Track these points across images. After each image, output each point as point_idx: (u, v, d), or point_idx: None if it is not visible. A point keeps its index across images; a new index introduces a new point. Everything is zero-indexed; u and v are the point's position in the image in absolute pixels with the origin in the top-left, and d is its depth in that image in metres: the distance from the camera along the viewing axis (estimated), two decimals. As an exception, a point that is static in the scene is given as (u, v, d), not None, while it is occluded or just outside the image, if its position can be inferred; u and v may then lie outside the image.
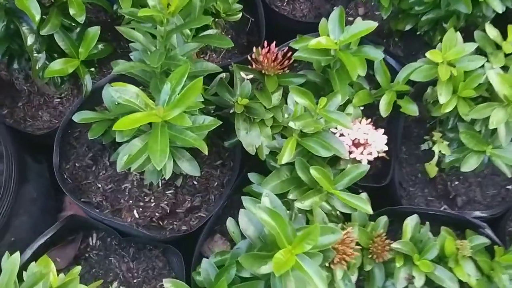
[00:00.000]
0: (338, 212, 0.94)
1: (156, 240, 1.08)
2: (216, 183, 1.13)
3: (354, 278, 0.89)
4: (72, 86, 1.22)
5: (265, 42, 0.97)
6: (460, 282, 0.94)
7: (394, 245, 0.92)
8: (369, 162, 0.94)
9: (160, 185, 1.09)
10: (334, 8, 1.08)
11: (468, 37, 1.04)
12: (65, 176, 1.10)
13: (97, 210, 1.07)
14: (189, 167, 0.91)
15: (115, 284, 1.08)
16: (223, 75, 1.02)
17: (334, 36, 0.96)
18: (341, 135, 0.95)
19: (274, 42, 0.98)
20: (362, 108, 1.06)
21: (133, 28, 0.88)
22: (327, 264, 0.82)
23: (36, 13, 0.91)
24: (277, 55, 0.97)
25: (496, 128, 0.96)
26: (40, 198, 1.16)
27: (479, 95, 1.01)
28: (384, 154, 0.97)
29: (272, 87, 0.98)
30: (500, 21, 1.09)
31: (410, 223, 0.97)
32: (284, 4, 1.42)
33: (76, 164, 1.12)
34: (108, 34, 1.21)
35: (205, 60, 1.01)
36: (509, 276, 0.97)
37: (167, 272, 1.10)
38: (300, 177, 0.90)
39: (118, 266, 1.11)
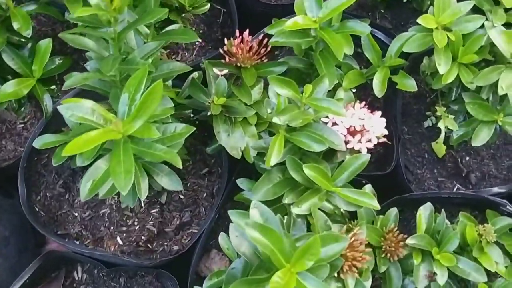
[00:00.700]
0: (342, 210, 0.85)
1: (144, 267, 0.98)
2: (205, 194, 1.06)
3: (368, 283, 0.79)
4: (35, 108, 1.13)
5: (237, 32, 0.88)
6: (487, 271, 0.85)
7: (409, 241, 0.83)
8: (369, 150, 0.85)
9: (143, 205, 1.01)
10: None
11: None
12: (37, 209, 1.02)
13: (77, 242, 0.99)
14: (169, 182, 0.85)
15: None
16: (195, 74, 0.96)
17: (312, 14, 0.88)
18: (334, 124, 0.86)
19: (247, 30, 0.89)
20: (354, 90, 0.99)
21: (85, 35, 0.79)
22: (335, 275, 0.73)
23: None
24: (252, 44, 0.89)
25: (506, 94, 0.91)
26: (14, 236, 1.06)
27: (482, 59, 0.96)
28: (385, 139, 0.88)
29: (250, 80, 0.89)
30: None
31: (424, 213, 0.87)
32: (257, -11, 1.32)
33: (48, 194, 1.04)
34: (67, 46, 1.13)
35: (173, 60, 0.93)
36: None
37: (163, 299, 1.02)
38: (294, 177, 0.80)
39: (110, 299, 1.03)
